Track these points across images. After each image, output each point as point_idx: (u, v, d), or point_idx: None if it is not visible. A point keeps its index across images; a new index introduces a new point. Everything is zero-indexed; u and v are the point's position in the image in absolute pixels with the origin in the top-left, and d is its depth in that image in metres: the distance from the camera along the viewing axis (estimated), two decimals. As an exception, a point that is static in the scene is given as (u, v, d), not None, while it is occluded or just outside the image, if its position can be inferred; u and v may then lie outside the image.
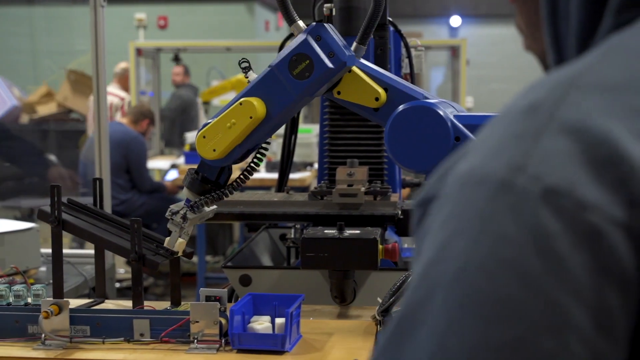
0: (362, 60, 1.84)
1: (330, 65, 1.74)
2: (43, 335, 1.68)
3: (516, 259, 0.55)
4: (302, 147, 6.08)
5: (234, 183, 1.87)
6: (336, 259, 1.97)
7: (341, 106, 2.48)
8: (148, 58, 7.11)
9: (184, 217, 1.85)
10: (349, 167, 2.31)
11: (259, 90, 1.78)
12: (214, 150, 1.78)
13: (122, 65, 7.30)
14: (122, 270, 5.58)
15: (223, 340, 1.65)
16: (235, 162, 1.86)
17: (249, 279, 2.16)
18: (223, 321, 1.67)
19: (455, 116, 1.64)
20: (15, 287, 1.80)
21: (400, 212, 2.20)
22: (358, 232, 2.03)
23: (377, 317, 1.75)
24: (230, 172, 1.90)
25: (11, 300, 1.79)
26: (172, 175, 6.14)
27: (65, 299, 1.71)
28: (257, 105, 1.76)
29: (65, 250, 3.52)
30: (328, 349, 1.65)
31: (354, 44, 1.80)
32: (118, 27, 8.27)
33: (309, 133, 6.31)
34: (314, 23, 1.78)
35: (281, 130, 2.48)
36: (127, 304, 1.96)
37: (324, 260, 1.98)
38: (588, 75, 0.61)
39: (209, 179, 1.86)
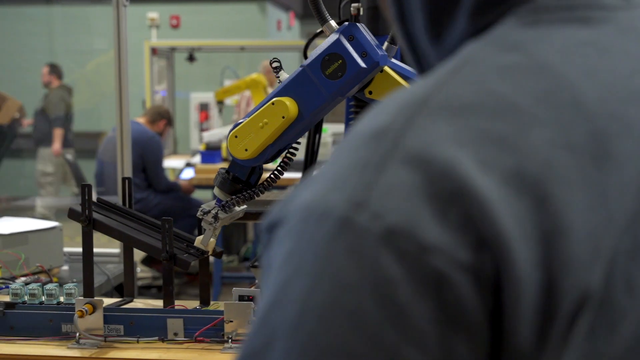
0: (393, 60, 1.84)
1: (363, 65, 1.74)
2: (77, 334, 1.68)
3: (354, 307, 0.51)
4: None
5: (265, 183, 1.87)
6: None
7: (367, 105, 2.49)
8: (162, 57, 7.12)
9: (216, 217, 1.85)
10: (376, 167, 2.31)
11: (291, 91, 1.78)
12: (246, 150, 1.79)
13: (265, 63, 7.40)
14: (138, 269, 5.60)
15: (257, 340, 1.65)
16: (267, 162, 1.87)
17: (277, 279, 2.16)
18: (256, 321, 1.67)
19: None
20: (48, 286, 1.81)
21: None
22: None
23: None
24: (261, 172, 1.90)
25: (43, 299, 1.80)
26: (188, 174, 6.14)
27: (99, 298, 1.72)
28: (290, 105, 1.76)
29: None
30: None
31: (386, 43, 1.80)
32: (131, 27, 8.30)
33: (324, 132, 6.32)
34: (347, 23, 1.78)
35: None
36: (156, 303, 1.97)
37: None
38: (438, 95, 0.55)
39: (240, 178, 1.86)
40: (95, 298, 1.71)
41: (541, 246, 0.51)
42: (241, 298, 1.71)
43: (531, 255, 0.51)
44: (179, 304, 1.84)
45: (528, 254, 0.51)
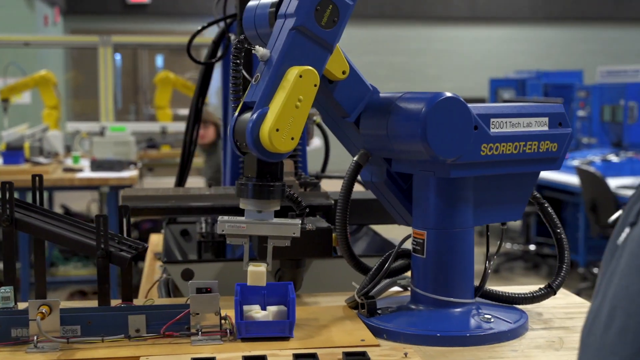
0: None
1: (350, 2, 1.68)
2: (35, 338, 1.59)
3: None
4: (119, 145, 5.93)
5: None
6: (292, 248, 2.02)
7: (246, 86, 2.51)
8: None
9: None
10: (276, 160, 2.35)
11: (295, 58, 1.64)
12: (293, 138, 1.60)
13: None
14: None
15: (228, 331, 1.66)
16: None
17: (192, 273, 2.15)
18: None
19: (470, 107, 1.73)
20: (-19, 291, 1.69)
21: (333, 203, 2.29)
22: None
23: (358, 299, 1.83)
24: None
25: (-24, 305, 1.68)
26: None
27: (54, 299, 1.63)
28: (315, 72, 1.63)
29: None
30: (327, 332, 1.71)
31: None
32: None
33: (122, 131, 6.15)
34: None
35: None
36: (82, 303, 1.89)
37: (279, 250, 2.02)
38: None
39: (279, 176, 1.70)
40: (51, 299, 1.63)
41: None
42: (199, 291, 1.70)
43: None
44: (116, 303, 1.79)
45: None
